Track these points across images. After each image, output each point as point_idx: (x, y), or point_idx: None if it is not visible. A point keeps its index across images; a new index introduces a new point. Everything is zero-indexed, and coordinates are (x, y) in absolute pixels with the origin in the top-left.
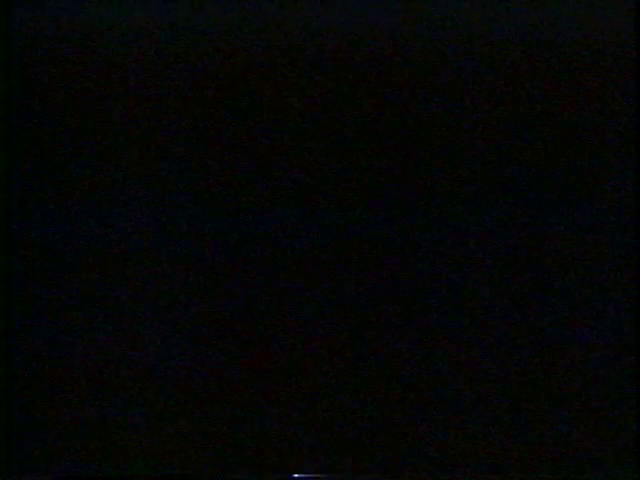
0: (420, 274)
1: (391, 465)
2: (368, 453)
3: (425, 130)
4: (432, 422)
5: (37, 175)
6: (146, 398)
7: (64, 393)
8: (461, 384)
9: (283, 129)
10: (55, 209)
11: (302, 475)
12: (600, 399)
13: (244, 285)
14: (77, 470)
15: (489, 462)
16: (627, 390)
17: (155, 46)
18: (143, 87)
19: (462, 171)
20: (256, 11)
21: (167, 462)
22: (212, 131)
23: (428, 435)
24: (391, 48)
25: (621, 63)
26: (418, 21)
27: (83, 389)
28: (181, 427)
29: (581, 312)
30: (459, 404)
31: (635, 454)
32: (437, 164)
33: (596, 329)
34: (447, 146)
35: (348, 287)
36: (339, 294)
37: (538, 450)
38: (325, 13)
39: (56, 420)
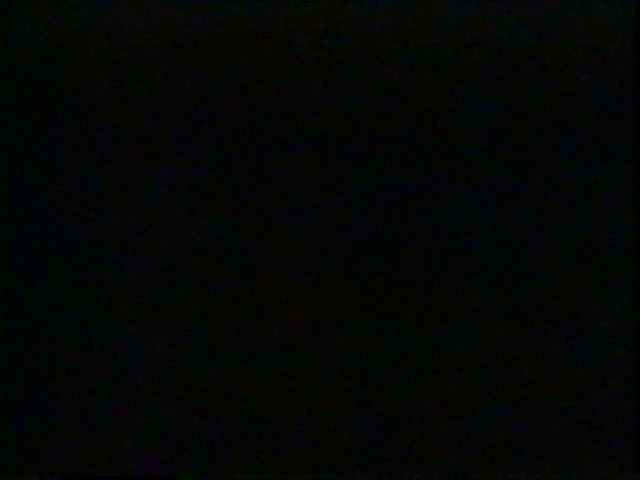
0: (421, 273)
1: (392, 464)
2: (369, 454)
3: (426, 125)
4: (431, 422)
5: (38, 174)
6: (147, 398)
7: (64, 393)
8: (460, 385)
9: (288, 126)
10: (54, 209)
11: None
12: (600, 399)
13: (246, 285)
14: (79, 469)
15: (488, 462)
16: (627, 390)
17: (156, 45)
18: (145, 85)
19: (464, 169)
20: (254, 9)
21: (169, 460)
22: (213, 128)
23: (427, 435)
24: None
25: (621, 63)
26: (418, 23)
27: (83, 388)
28: (183, 425)
29: (581, 311)
30: (458, 405)
31: (635, 454)
32: (439, 161)
33: (596, 328)
34: (449, 144)
35: (348, 287)
36: (338, 295)
37: (538, 450)
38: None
39: (57, 419)
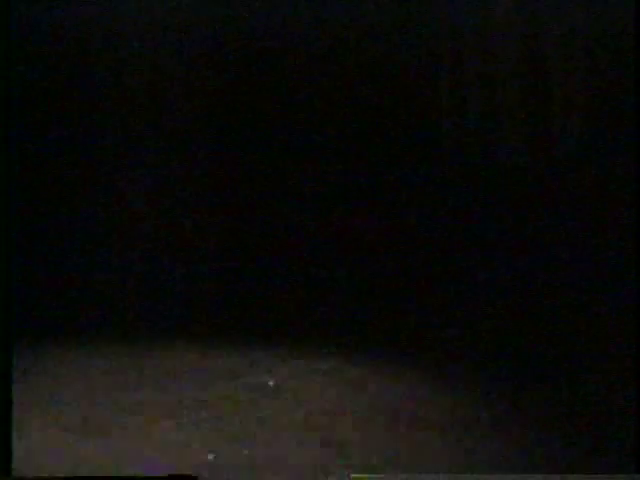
0: (426, 275)
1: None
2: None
3: (426, 126)
4: (430, 422)
5: (38, 172)
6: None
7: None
8: (459, 385)
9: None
10: (54, 207)
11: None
12: (600, 399)
13: (247, 285)
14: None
15: (488, 462)
16: (627, 390)
17: (157, 44)
18: (145, 84)
19: (464, 169)
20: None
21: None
22: (213, 125)
23: (427, 434)
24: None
25: (621, 62)
26: (418, 21)
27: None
28: (183, 425)
29: (582, 311)
30: (457, 405)
31: (635, 454)
32: (439, 162)
33: (597, 327)
34: (446, 150)
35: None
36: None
37: (538, 450)
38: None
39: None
